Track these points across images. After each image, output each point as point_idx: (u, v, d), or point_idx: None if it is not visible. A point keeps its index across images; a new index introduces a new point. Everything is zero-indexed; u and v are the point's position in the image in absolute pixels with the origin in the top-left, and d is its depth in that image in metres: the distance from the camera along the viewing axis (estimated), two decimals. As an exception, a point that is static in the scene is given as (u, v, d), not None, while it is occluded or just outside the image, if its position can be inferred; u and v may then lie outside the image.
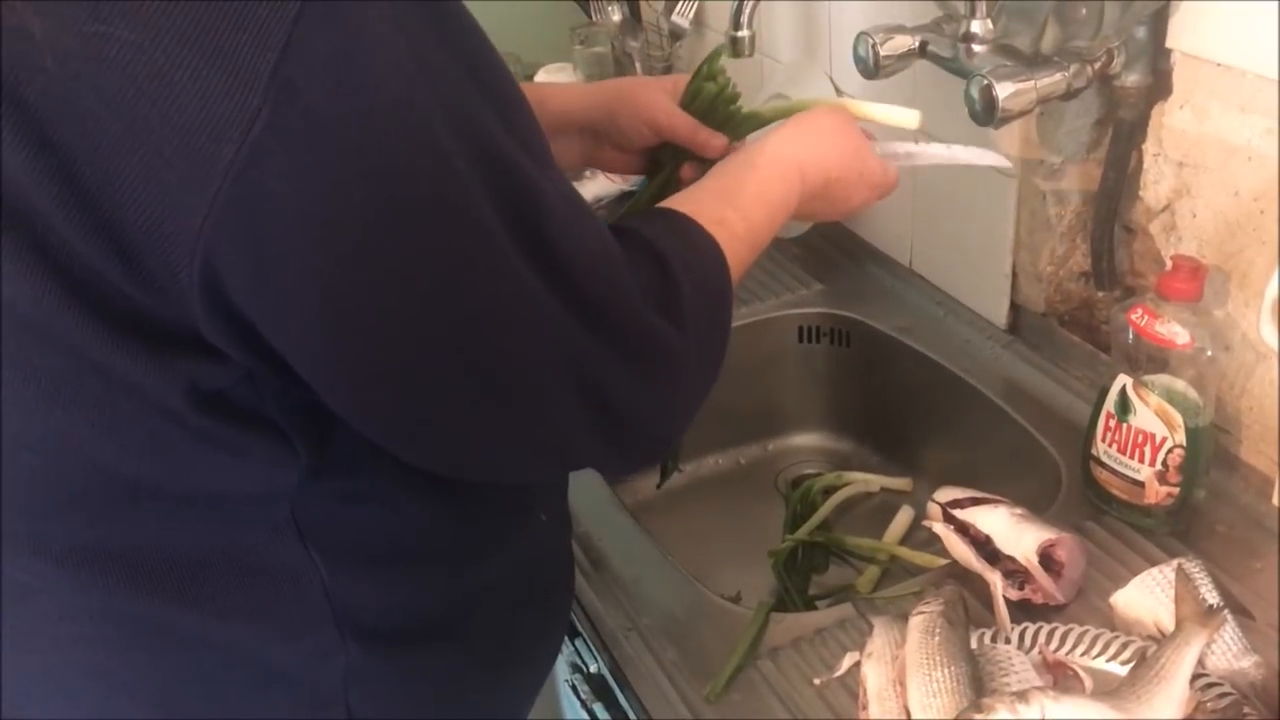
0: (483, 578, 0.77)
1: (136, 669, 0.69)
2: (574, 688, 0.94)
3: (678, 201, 0.79)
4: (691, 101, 0.96)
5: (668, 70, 1.73)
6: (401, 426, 0.64)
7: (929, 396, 1.24)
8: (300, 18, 0.51)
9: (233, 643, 0.69)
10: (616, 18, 1.73)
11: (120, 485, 0.63)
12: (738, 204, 0.80)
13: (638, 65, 1.71)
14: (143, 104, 0.50)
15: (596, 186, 1.52)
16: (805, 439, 1.37)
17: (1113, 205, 1.05)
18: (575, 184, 1.53)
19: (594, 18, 1.74)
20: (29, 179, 0.52)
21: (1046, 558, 0.88)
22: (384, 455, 0.65)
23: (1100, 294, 1.14)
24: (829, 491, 1.25)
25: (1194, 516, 0.96)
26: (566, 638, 0.96)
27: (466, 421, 0.64)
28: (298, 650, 0.70)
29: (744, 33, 0.98)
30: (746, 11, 0.97)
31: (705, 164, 0.94)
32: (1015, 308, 1.22)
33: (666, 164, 0.99)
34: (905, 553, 1.10)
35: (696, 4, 1.62)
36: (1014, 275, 1.20)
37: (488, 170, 0.58)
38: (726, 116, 0.95)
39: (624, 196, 1.53)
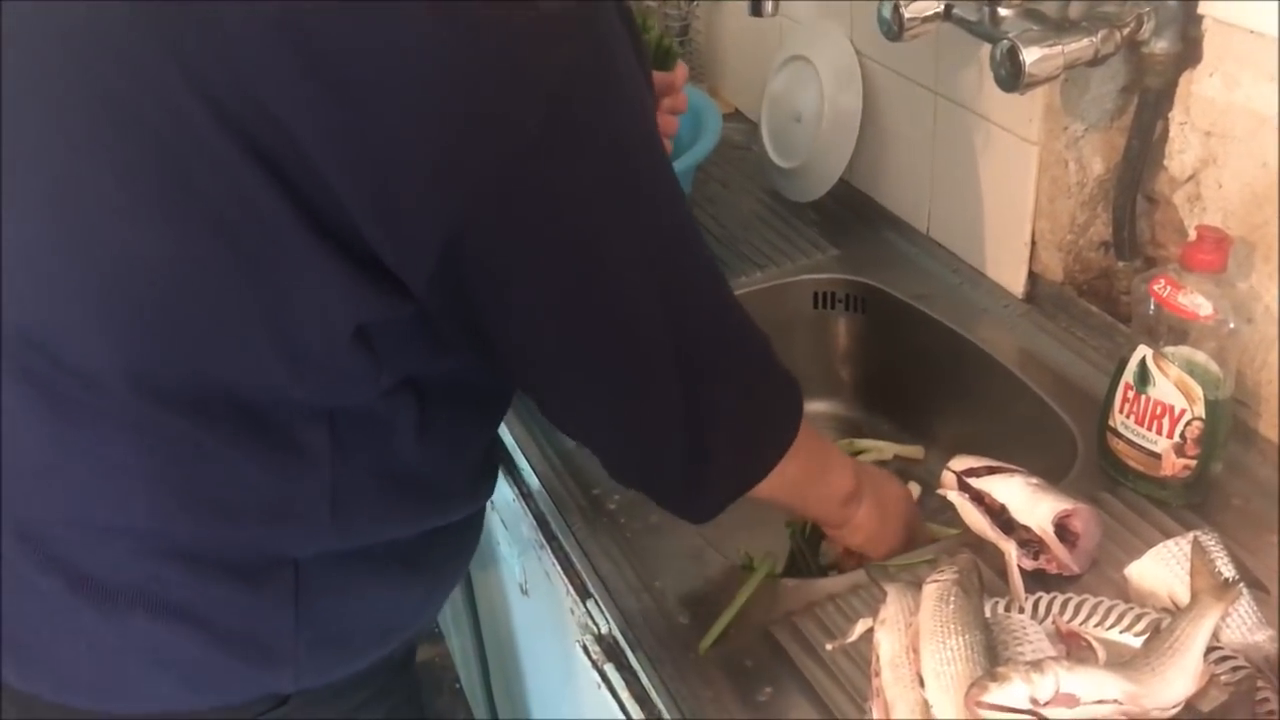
0: (442, 519, 0.88)
1: (154, 469, 0.75)
2: (585, 648, 0.94)
3: None
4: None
5: (684, 29, 1.71)
6: (564, 416, 0.80)
7: (944, 365, 1.23)
8: (581, 48, 0.62)
9: (243, 480, 0.76)
10: (634, -27, 1.71)
11: (239, 350, 0.71)
12: (839, 453, 1.00)
13: (655, 25, 1.69)
14: (440, 97, 0.60)
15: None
16: (819, 406, 1.36)
17: (1136, 174, 1.04)
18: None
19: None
20: (322, 132, 0.62)
21: (1062, 528, 0.88)
22: (441, 419, 0.80)
23: (1120, 264, 1.13)
24: (841, 458, 1.25)
25: (1210, 489, 0.95)
26: (578, 597, 0.96)
27: (603, 415, 0.79)
28: (288, 511, 0.78)
29: (767, -11, 0.96)
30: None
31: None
32: (1033, 276, 1.21)
33: None
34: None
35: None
36: (1033, 243, 1.19)
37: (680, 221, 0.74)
38: (673, 54, 1.08)
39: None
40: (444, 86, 0.60)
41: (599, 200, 0.66)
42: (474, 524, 0.97)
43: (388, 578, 0.85)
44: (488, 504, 0.98)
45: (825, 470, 0.94)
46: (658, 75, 0.99)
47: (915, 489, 1.20)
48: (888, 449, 1.27)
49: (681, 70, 1.06)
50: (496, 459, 0.95)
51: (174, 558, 0.76)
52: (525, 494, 1.09)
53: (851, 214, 1.43)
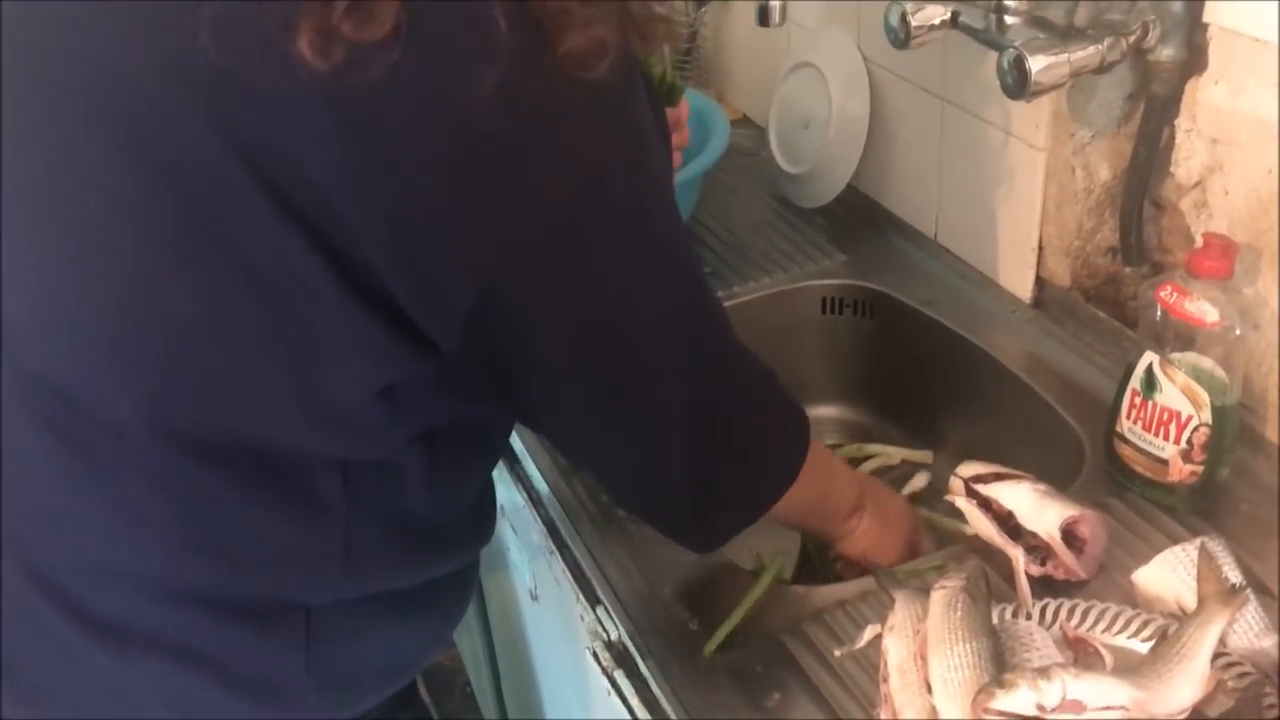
0: (452, 564, 0.90)
1: (171, 518, 0.75)
2: (595, 654, 0.95)
3: None
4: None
5: (692, 36, 1.72)
6: (576, 452, 0.84)
7: (952, 370, 1.23)
8: (616, 131, 0.65)
9: (258, 530, 0.75)
10: (642, -19, 1.71)
11: (262, 402, 0.71)
12: (847, 469, 1.05)
13: (659, 63, 1.70)
14: (477, 167, 0.62)
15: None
16: (826, 410, 1.37)
17: (1143, 181, 1.05)
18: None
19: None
20: (359, 195, 0.62)
21: (1069, 534, 0.88)
22: (448, 465, 0.81)
23: (1127, 270, 1.13)
24: (850, 463, 1.25)
25: (1218, 495, 0.95)
26: (588, 604, 0.97)
27: (601, 461, 0.83)
28: (300, 564, 0.78)
29: (775, 2, 0.97)
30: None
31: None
32: (1041, 282, 1.21)
33: None
34: (926, 515, 1.11)
35: (723, -31, 1.61)
36: (1040, 249, 1.19)
37: (705, 315, 0.78)
38: (676, 89, 1.09)
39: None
40: (483, 159, 0.61)
41: (625, 265, 0.69)
42: (475, 564, 0.98)
43: (397, 620, 0.85)
44: (498, 509, 0.99)
45: (829, 490, 0.97)
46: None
47: (923, 479, 1.21)
48: (896, 453, 1.27)
49: (684, 106, 1.07)
50: (493, 498, 0.97)
51: (187, 603, 0.76)
52: (535, 500, 1.09)
53: (859, 219, 1.43)
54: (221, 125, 0.62)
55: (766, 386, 0.85)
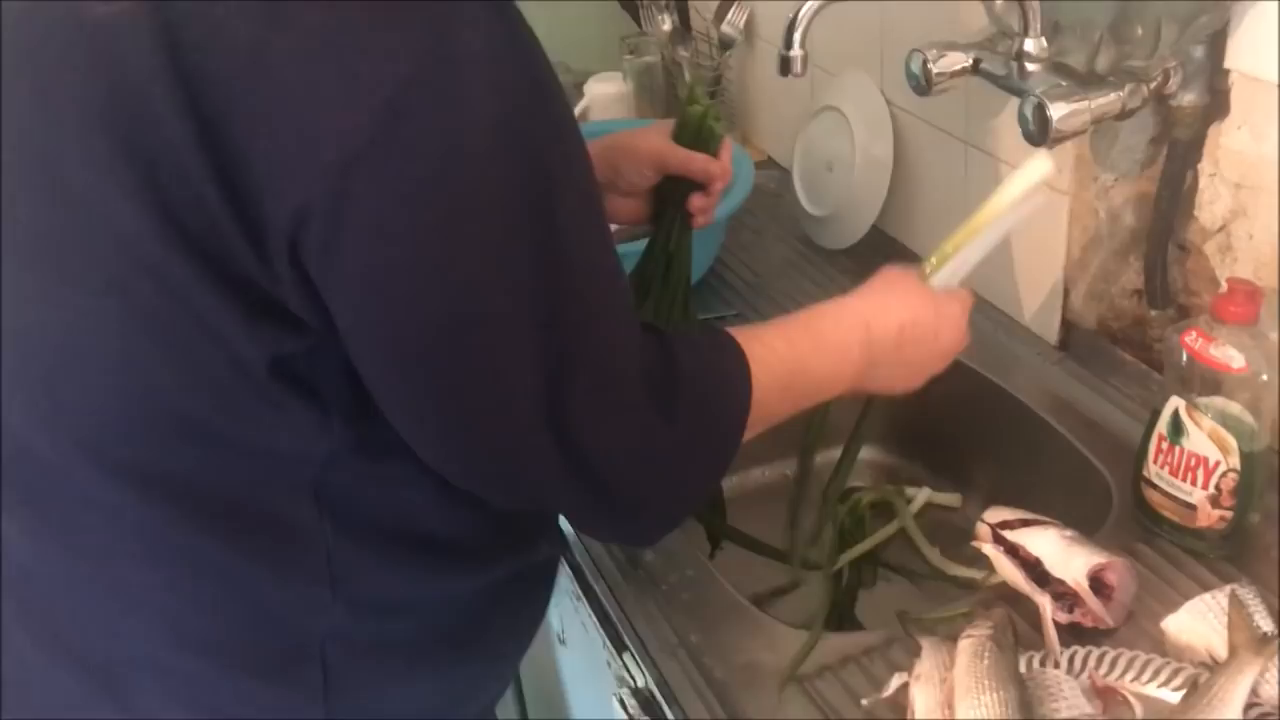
0: (474, 578, 0.84)
1: (146, 588, 0.75)
2: (621, 701, 0.95)
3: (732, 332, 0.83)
4: (682, 130, 1.02)
5: (717, 79, 1.74)
6: (408, 423, 0.71)
7: (979, 412, 1.23)
8: (421, 61, 0.60)
9: (240, 581, 0.75)
10: (666, 27, 1.73)
11: (175, 416, 0.70)
12: (786, 331, 0.87)
13: (687, 74, 1.72)
14: (282, 99, 0.60)
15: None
16: (853, 451, 1.37)
17: (1167, 224, 1.05)
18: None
19: (644, 27, 1.75)
20: (177, 135, 0.61)
21: (1097, 581, 0.88)
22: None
23: (1153, 312, 1.13)
24: (875, 506, 1.25)
25: (1247, 540, 0.95)
26: (614, 650, 0.97)
27: (450, 435, 0.72)
28: (290, 600, 0.76)
29: (796, 52, 0.98)
30: (799, 31, 0.97)
31: (709, 193, 1.03)
32: (1067, 324, 1.21)
33: (670, 201, 1.03)
34: (950, 566, 1.10)
35: (747, 13, 1.62)
36: (1066, 291, 1.19)
37: (546, 235, 0.66)
38: (716, 136, 1.01)
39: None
40: (286, 98, 0.61)
41: (436, 209, 0.63)
42: (533, 593, 0.92)
43: (428, 662, 0.83)
44: (550, 526, 0.92)
45: (811, 383, 0.87)
46: (703, 161, 1.00)
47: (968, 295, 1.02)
48: (924, 495, 1.27)
49: (727, 151, 1.02)
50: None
51: (199, 658, 0.76)
52: (561, 544, 1.10)
53: (884, 261, 1.41)
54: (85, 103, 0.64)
55: (639, 354, 0.73)
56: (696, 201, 1.03)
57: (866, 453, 1.37)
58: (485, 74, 0.62)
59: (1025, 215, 0.96)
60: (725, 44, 1.64)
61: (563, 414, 0.69)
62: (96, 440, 0.72)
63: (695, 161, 1.01)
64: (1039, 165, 0.93)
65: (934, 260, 0.97)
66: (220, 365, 0.68)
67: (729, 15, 1.62)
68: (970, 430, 1.25)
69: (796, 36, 0.98)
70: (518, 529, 0.85)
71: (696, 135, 1.01)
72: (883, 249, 1.44)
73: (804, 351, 0.86)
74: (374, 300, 0.65)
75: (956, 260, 0.96)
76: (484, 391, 0.68)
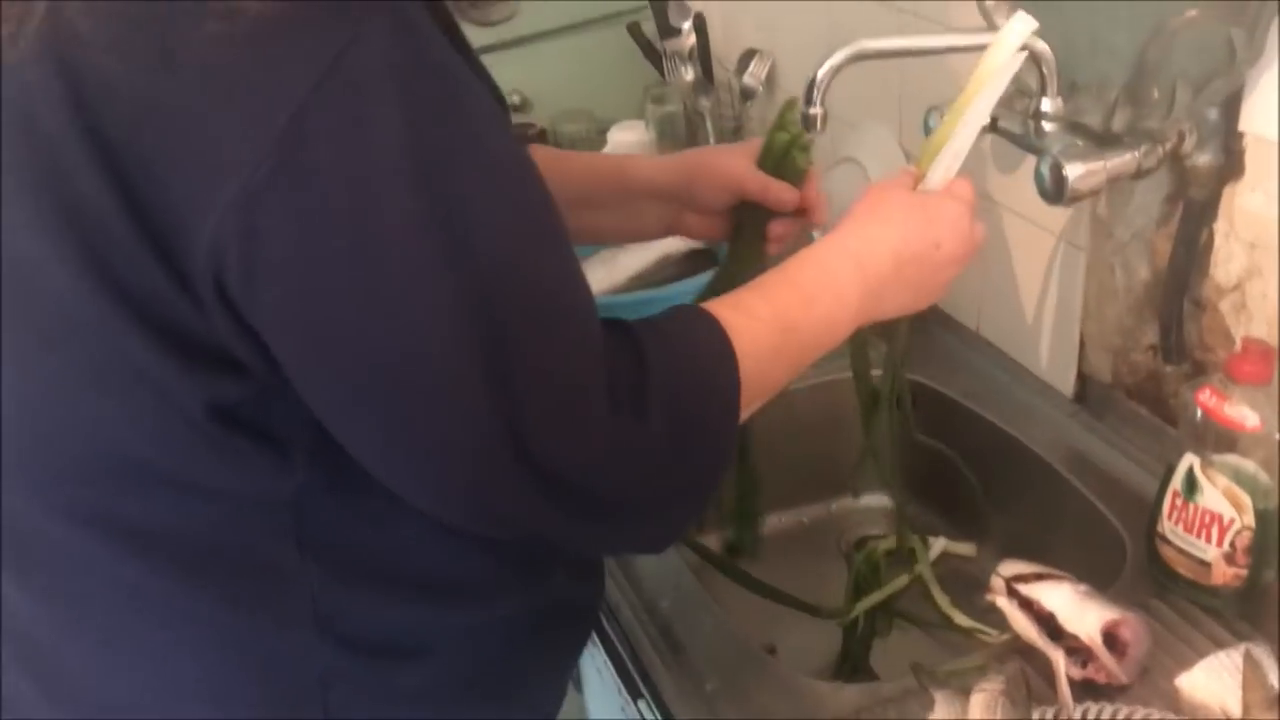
0: (481, 614, 0.79)
1: (137, 637, 0.74)
2: (636, 747, 0.96)
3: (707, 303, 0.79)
4: (766, 155, 0.98)
5: (737, 130, 1.76)
6: (368, 460, 0.68)
7: (994, 463, 1.24)
8: (317, 87, 0.58)
9: (228, 627, 0.73)
10: (689, 77, 1.76)
11: (134, 466, 0.69)
12: (767, 291, 0.80)
13: (709, 125, 1.74)
14: (181, 140, 0.59)
15: (666, 244, 1.54)
16: (869, 500, 1.38)
17: (1182, 282, 1.06)
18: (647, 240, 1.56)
19: (667, 77, 1.78)
20: (93, 186, 0.60)
21: (1110, 637, 0.88)
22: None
23: (1169, 367, 1.14)
24: (892, 554, 1.26)
25: (1263, 598, 0.95)
26: (630, 697, 0.98)
27: (411, 471, 0.68)
28: (281, 645, 0.74)
29: (816, 110, 1.00)
30: (820, 90, 0.99)
31: (792, 220, 0.98)
32: (1083, 377, 1.22)
33: (747, 225, 0.99)
34: (967, 622, 1.11)
35: (768, 65, 1.65)
36: (1081, 344, 1.20)
37: (472, 252, 0.62)
38: (798, 167, 0.96)
39: (692, 254, 1.55)
40: (186, 139, 0.59)
41: (342, 242, 0.60)
42: (560, 633, 0.87)
43: (446, 709, 0.79)
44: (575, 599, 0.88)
45: (807, 339, 0.81)
46: (781, 189, 0.96)
47: (965, 186, 0.93)
48: (940, 545, 1.28)
49: (813, 183, 0.97)
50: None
51: (199, 705, 0.75)
52: (591, 577, 1.11)
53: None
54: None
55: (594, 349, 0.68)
56: (776, 228, 0.99)
57: (881, 500, 1.38)
58: (387, 93, 0.59)
59: (1008, 79, 0.90)
60: (747, 95, 1.66)
61: (524, 436, 0.64)
62: (61, 494, 0.71)
63: (773, 189, 0.96)
64: (1020, 25, 0.88)
65: (924, 159, 0.91)
66: (168, 415, 0.66)
67: (750, 67, 1.65)
68: (986, 480, 1.26)
69: (817, 95, 1.00)
70: (525, 560, 0.79)
71: (780, 163, 0.97)
72: (900, 299, 1.45)
73: (790, 307, 0.80)
74: (304, 336, 0.63)
75: (948, 152, 0.90)
76: (434, 422, 0.64)
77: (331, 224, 0.60)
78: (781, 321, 0.79)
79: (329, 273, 0.60)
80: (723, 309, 0.76)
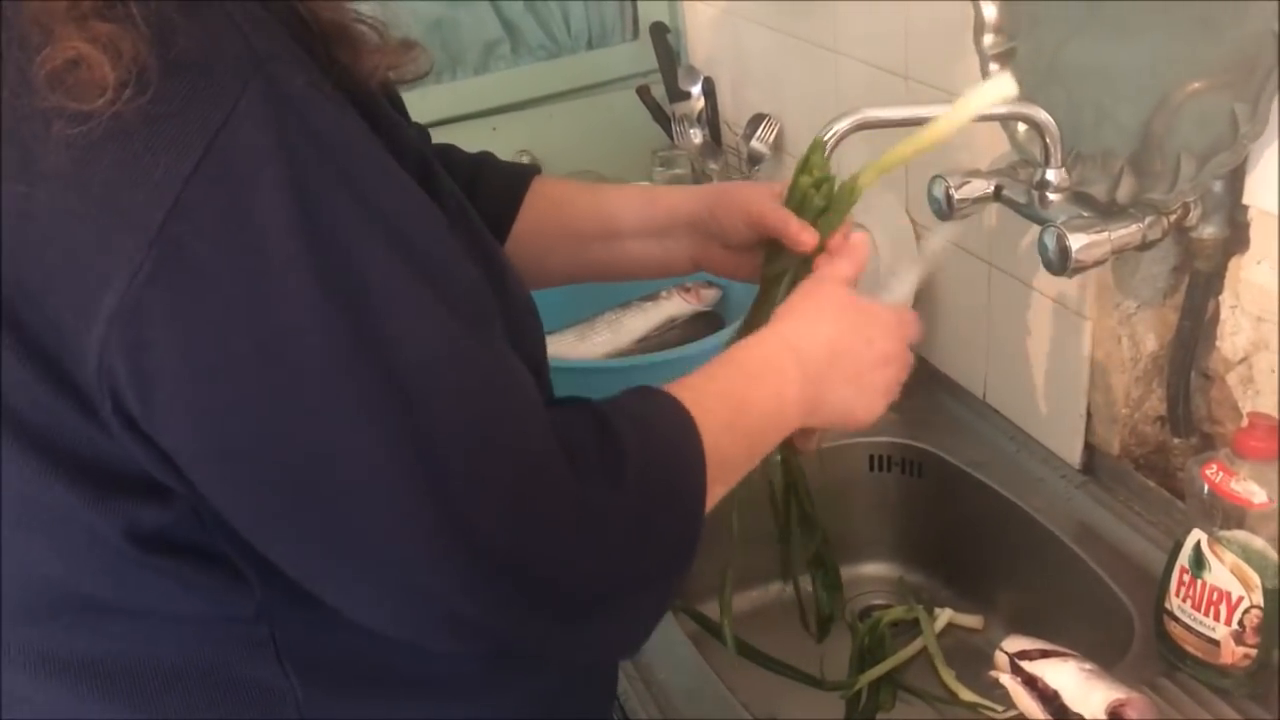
0: (472, 709, 0.75)
1: None
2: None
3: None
4: (790, 195, 0.95)
5: (746, 193, 1.76)
6: (303, 579, 0.63)
7: (1000, 533, 1.22)
8: (191, 180, 0.54)
9: None
10: (697, 140, 1.77)
11: (81, 600, 0.66)
12: (709, 370, 0.78)
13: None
14: (54, 253, 0.56)
15: (671, 307, 1.54)
16: (874, 568, 1.36)
17: (1189, 354, 1.05)
18: (652, 303, 1.56)
19: (676, 140, 1.79)
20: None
21: (1116, 717, 0.86)
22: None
23: (1176, 440, 1.13)
24: (897, 624, 1.24)
25: (1273, 678, 0.93)
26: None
27: (351, 589, 0.63)
28: None
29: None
30: (826, 155, 0.99)
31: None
32: (1090, 448, 1.21)
33: (787, 262, 0.94)
34: (972, 697, 1.08)
35: (776, 130, 1.66)
36: (1088, 415, 1.19)
37: (383, 339, 0.57)
38: (822, 209, 0.93)
39: (696, 317, 1.55)
40: (59, 259, 0.56)
41: (237, 343, 0.56)
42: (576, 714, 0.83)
43: None
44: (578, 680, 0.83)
45: (757, 415, 0.78)
46: (799, 228, 0.90)
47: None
48: (946, 616, 1.26)
49: (846, 227, 0.92)
50: None
51: None
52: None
53: (908, 378, 1.43)
54: None
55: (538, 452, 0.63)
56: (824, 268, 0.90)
57: (888, 569, 1.36)
58: (269, 176, 0.55)
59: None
60: (754, 159, 1.67)
61: (475, 525, 0.59)
62: (14, 640, 0.69)
63: (793, 226, 0.90)
64: (1001, 87, 0.86)
65: (870, 172, 0.90)
66: (101, 548, 0.63)
67: (758, 131, 1.66)
68: (993, 551, 1.24)
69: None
70: (486, 666, 0.75)
71: (800, 205, 0.93)
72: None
73: (735, 383, 0.78)
74: (210, 451, 0.58)
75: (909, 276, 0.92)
76: (367, 526, 0.59)
77: (223, 326, 0.55)
78: (731, 400, 0.76)
79: (227, 379, 0.56)
80: (671, 386, 0.74)
